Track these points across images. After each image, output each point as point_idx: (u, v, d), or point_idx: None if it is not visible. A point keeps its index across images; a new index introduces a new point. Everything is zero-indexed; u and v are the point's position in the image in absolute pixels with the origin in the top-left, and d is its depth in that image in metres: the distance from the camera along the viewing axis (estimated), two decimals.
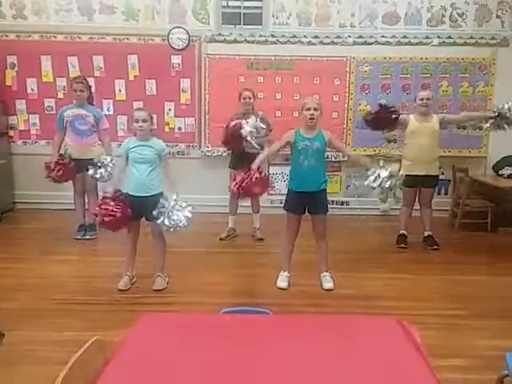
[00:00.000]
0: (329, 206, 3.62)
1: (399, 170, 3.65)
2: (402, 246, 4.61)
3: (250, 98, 4.60)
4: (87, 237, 4.68)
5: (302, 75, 5.58)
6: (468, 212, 5.25)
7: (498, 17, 5.54)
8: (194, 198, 5.66)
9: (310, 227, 3.63)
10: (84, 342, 1.49)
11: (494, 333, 2.93)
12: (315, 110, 3.40)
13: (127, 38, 5.54)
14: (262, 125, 4.23)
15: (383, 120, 4.48)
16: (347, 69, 5.60)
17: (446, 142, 5.29)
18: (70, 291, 3.47)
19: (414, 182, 4.53)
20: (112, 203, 3.30)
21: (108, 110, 5.57)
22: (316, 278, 3.65)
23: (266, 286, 3.62)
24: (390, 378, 1.45)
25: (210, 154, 5.72)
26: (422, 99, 4.44)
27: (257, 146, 4.20)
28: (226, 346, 1.61)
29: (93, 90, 4.77)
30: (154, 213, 3.28)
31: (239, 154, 4.62)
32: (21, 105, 5.67)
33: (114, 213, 3.27)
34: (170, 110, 5.69)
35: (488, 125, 4.41)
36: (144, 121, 3.31)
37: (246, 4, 5.59)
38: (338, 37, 5.55)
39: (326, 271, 3.65)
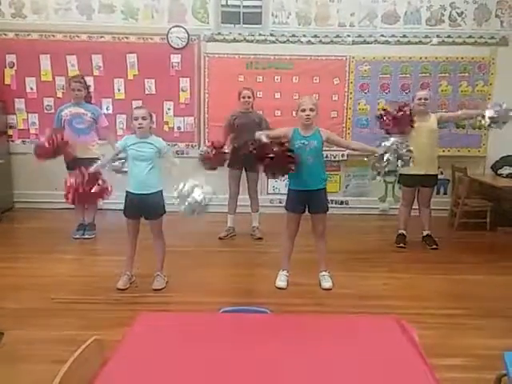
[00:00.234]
0: (329, 205, 3.63)
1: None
2: (401, 245, 4.62)
3: (249, 97, 4.61)
4: (86, 236, 4.68)
5: (301, 74, 5.58)
6: (467, 211, 5.25)
7: (497, 16, 5.54)
8: None
9: (309, 226, 3.63)
10: (83, 341, 1.49)
11: (493, 332, 2.94)
12: (311, 110, 3.40)
13: (126, 37, 5.54)
14: None
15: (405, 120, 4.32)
16: (346, 68, 5.60)
17: (445, 142, 5.30)
18: (68, 290, 3.47)
19: (413, 182, 4.53)
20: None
21: (107, 109, 5.57)
22: (315, 277, 3.65)
23: (265, 285, 3.62)
24: (389, 377, 1.45)
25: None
26: (420, 99, 4.44)
27: None
28: (224, 346, 1.61)
29: (92, 89, 4.77)
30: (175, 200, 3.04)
31: (238, 153, 4.63)
32: (20, 104, 5.67)
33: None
34: (169, 109, 5.69)
35: (488, 122, 4.35)
36: (143, 118, 3.32)
37: (246, 3, 5.58)
38: (338, 36, 5.55)
39: (325, 270, 3.65)
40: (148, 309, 3.13)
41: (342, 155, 5.72)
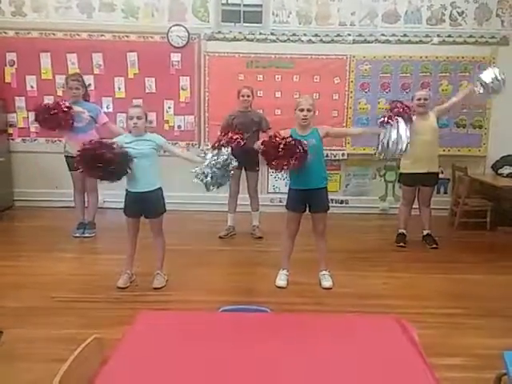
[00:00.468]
0: (329, 204, 3.63)
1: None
2: (401, 244, 4.62)
3: (248, 96, 4.60)
4: (86, 235, 4.68)
5: (301, 73, 5.57)
6: (467, 211, 5.25)
7: (497, 16, 5.54)
8: (192, 196, 5.72)
9: (310, 226, 3.63)
10: (83, 340, 1.49)
11: (493, 332, 2.94)
12: (308, 110, 3.40)
13: (127, 36, 5.54)
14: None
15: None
16: (347, 67, 5.59)
17: (446, 141, 5.29)
18: (69, 289, 3.47)
19: (413, 181, 4.54)
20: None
21: (107, 107, 5.56)
22: (315, 276, 3.65)
23: (265, 284, 3.62)
24: (389, 377, 1.45)
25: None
26: (420, 99, 4.43)
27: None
28: (224, 344, 1.61)
29: (91, 87, 4.75)
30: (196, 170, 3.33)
31: (238, 152, 4.62)
32: (20, 102, 5.66)
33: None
34: (169, 107, 5.68)
35: (480, 90, 4.29)
36: (138, 118, 3.32)
37: (246, 2, 5.58)
38: (338, 35, 5.55)
39: (325, 270, 3.65)
40: (148, 307, 3.14)
41: (343, 154, 5.72)
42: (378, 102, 5.66)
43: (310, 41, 5.56)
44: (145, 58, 5.55)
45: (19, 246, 4.49)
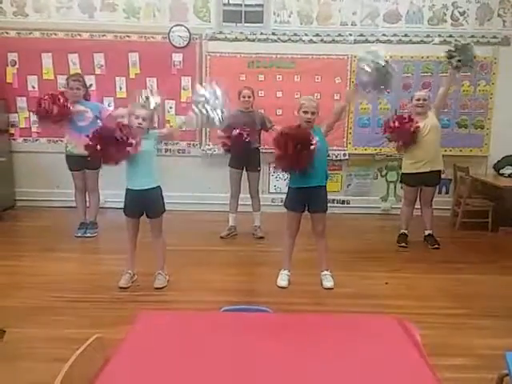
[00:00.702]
0: (329, 204, 3.62)
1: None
2: (403, 245, 4.61)
3: (249, 97, 4.60)
4: (88, 235, 4.68)
5: (303, 73, 5.57)
6: (469, 211, 5.25)
7: (499, 16, 5.53)
8: (194, 196, 5.73)
9: (310, 226, 3.63)
10: (85, 340, 1.49)
11: (495, 332, 2.93)
12: (313, 113, 3.38)
13: (128, 36, 5.54)
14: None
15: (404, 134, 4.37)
16: (348, 67, 5.59)
17: (448, 141, 5.29)
18: (70, 289, 3.47)
19: (416, 181, 4.53)
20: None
21: (109, 106, 5.56)
22: (316, 276, 3.65)
23: (267, 284, 3.62)
24: (390, 377, 1.45)
25: (210, 152, 5.72)
26: (419, 99, 4.43)
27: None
28: (225, 345, 1.61)
29: (93, 87, 4.74)
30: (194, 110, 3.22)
31: (239, 152, 4.64)
32: (21, 102, 5.67)
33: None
34: (170, 107, 5.68)
35: (454, 63, 4.38)
36: (144, 119, 3.31)
37: (247, 2, 5.58)
38: (340, 35, 5.55)
39: (327, 270, 3.65)
40: (149, 307, 3.14)
41: (344, 154, 5.72)
42: (380, 102, 5.66)
43: (311, 41, 5.56)
44: (146, 58, 5.55)
45: (21, 245, 4.49)
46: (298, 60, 5.56)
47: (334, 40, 5.55)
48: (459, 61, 4.35)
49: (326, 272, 3.64)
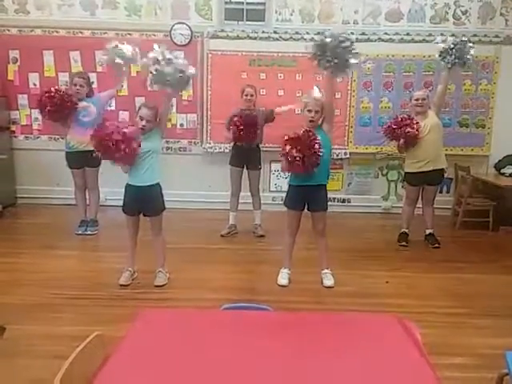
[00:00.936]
0: (329, 203, 3.61)
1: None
2: (404, 243, 4.61)
3: (252, 95, 4.60)
4: (88, 232, 4.68)
5: (304, 72, 5.55)
6: (470, 210, 5.24)
7: (501, 15, 5.52)
8: (195, 194, 5.72)
9: (310, 224, 3.63)
10: (85, 337, 1.49)
11: (495, 331, 2.93)
12: (316, 112, 3.38)
13: (129, 34, 5.53)
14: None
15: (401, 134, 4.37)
16: None
17: (449, 141, 5.27)
18: (71, 286, 3.48)
19: (418, 181, 4.53)
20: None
21: (110, 105, 5.55)
22: (317, 275, 3.65)
23: (267, 282, 3.62)
24: (390, 376, 1.45)
25: (211, 150, 5.71)
26: (418, 99, 4.42)
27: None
28: (226, 343, 1.61)
29: (94, 85, 4.74)
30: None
31: (239, 150, 4.64)
32: (23, 100, 5.67)
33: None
34: (172, 106, 5.67)
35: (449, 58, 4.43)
36: (148, 121, 3.30)
37: (249, 0, 5.57)
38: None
39: (327, 268, 3.65)
40: (150, 305, 3.15)
41: (345, 153, 5.72)
42: (381, 101, 5.65)
43: (312, 39, 5.52)
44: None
45: (21, 242, 4.50)
46: (299, 58, 5.54)
47: None
48: (455, 58, 4.34)
49: (326, 270, 3.64)
